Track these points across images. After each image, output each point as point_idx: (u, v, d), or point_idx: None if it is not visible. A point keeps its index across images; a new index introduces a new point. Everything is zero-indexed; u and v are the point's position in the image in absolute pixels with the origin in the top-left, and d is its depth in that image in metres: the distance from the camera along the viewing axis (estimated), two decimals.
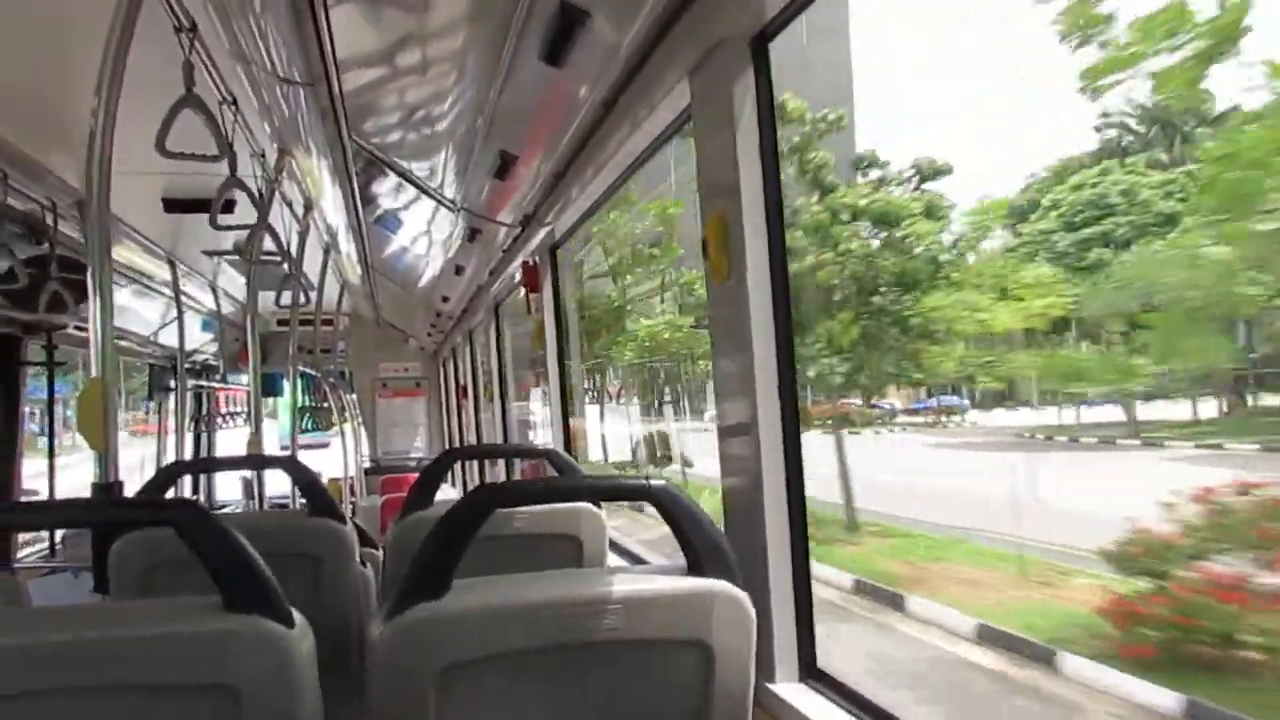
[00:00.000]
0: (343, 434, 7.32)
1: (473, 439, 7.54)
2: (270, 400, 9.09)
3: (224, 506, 8.40)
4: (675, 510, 1.44)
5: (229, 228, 2.76)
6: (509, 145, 2.61)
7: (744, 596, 1.41)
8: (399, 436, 8.63)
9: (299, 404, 6.90)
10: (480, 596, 1.36)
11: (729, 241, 1.76)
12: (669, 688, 1.41)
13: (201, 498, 8.33)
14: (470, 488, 4.50)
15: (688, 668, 1.40)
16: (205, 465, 7.46)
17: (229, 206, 2.76)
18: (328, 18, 2.03)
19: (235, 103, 2.57)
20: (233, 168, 2.48)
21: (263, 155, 3.08)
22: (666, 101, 1.99)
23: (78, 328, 4.33)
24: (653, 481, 1.46)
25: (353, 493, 7.44)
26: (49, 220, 3.17)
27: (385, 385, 8.60)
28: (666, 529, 1.47)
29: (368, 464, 8.20)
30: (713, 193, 1.83)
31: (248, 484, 7.14)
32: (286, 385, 5.70)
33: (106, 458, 1.88)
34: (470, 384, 7.24)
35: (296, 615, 1.26)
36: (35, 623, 1.26)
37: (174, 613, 1.25)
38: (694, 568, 1.44)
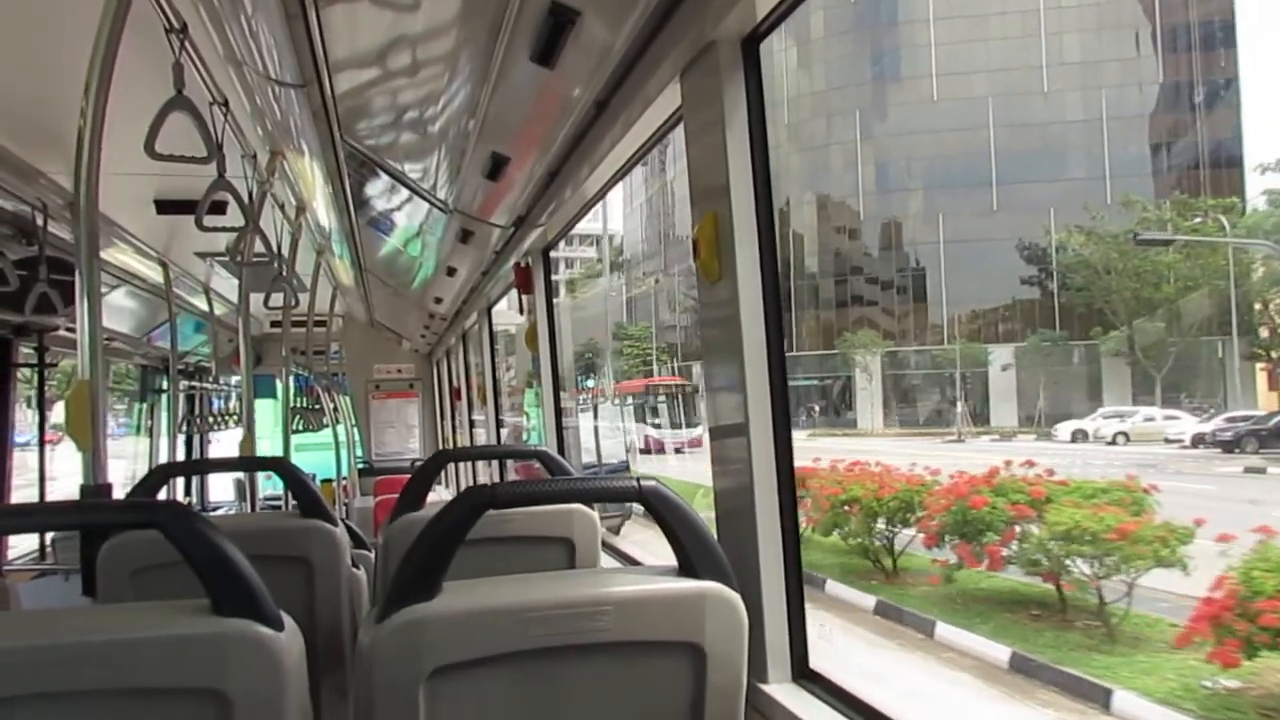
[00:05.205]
0: (335, 436, 7.29)
1: (466, 440, 7.52)
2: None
3: (217, 508, 8.38)
4: (666, 511, 1.43)
5: (216, 229, 2.75)
6: (501, 146, 2.61)
7: (736, 597, 1.41)
8: (393, 438, 8.60)
9: (291, 405, 6.87)
10: (470, 598, 1.35)
11: (720, 242, 1.76)
12: (661, 689, 1.40)
13: (194, 499, 8.30)
14: (462, 489, 4.49)
15: (680, 669, 1.40)
16: (196, 467, 7.44)
17: (219, 208, 2.74)
18: (319, 19, 2.02)
19: (226, 104, 2.56)
20: (221, 169, 2.46)
21: (254, 157, 3.07)
22: (659, 102, 1.99)
23: (69, 329, 4.31)
24: (643, 482, 1.45)
25: (346, 494, 7.41)
26: (39, 221, 3.16)
27: (379, 387, 8.56)
28: None
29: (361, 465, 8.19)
30: (703, 193, 1.83)
31: (240, 486, 7.12)
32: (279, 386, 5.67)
33: (95, 459, 1.87)
34: (464, 386, 7.23)
35: (286, 618, 1.25)
36: (21, 627, 1.25)
37: (161, 616, 1.24)
38: (685, 569, 1.43)
